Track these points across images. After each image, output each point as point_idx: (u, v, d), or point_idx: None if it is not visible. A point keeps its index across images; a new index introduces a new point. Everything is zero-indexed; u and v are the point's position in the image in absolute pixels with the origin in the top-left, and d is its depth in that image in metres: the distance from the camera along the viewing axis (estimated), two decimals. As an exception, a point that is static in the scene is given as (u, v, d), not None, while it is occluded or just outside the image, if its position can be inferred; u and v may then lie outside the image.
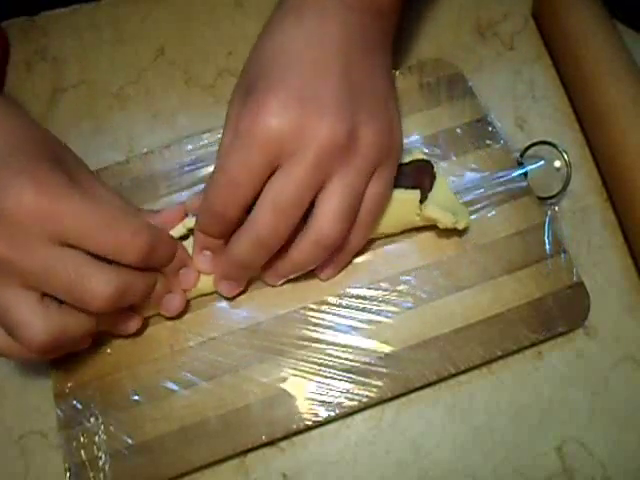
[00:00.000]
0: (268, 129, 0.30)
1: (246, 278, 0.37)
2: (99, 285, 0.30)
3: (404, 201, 0.37)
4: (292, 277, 0.37)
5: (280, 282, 0.38)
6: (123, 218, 0.31)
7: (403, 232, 0.39)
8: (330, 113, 0.31)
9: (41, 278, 0.29)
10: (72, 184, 0.31)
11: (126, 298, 0.32)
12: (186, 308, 0.37)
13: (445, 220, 0.36)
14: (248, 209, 0.33)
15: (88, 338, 0.34)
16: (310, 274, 0.37)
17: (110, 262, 0.31)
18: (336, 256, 0.36)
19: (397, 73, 0.43)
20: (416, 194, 0.37)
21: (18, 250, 0.29)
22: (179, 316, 0.37)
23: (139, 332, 0.37)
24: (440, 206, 0.37)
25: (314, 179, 0.32)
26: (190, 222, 0.37)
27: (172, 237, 0.36)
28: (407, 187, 0.37)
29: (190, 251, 0.37)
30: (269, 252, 0.34)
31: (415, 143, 0.41)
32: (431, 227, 0.38)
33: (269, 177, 0.32)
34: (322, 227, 0.33)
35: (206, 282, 0.37)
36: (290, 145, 0.31)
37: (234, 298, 0.38)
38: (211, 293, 0.38)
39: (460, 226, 0.37)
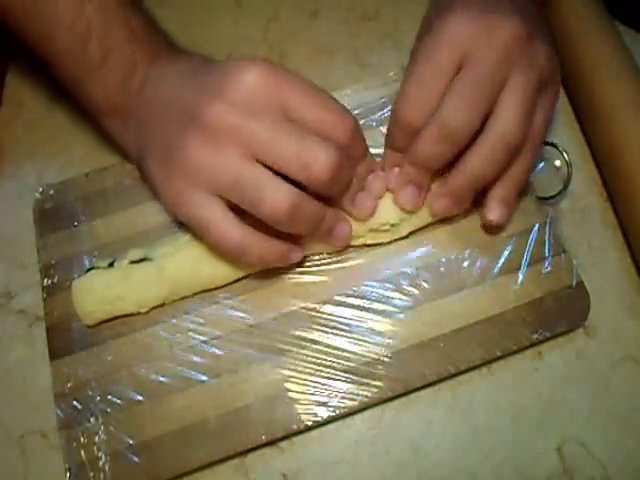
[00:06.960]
0: (455, 26, 0.34)
1: (428, 184, 0.37)
2: (278, 194, 0.32)
3: None
4: (457, 208, 0.37)
5: (447, 208, 0.37)
6: (335, 101, 0.34)
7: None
8: (511, 16, 0.34)
9: (267, 146, 0.32)
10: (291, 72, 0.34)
11: (299, 217, 0.33)
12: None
13: None
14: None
15: (300, 248, 0.37)
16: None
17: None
18: (504, 183, 0.36)
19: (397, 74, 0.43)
20: None
21: (249, 119, 0.32)
22: (299, 264, 0.38)
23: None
24: None
25: (500, 72, 0.33)
26: None
27: None
28: None
29: None
30: (455, 146, 0.34)
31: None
32: (432, 226, 0.39)
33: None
34: (504, 125, 0.33)
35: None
36: (476, 42, 0.33)
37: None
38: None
39: None
